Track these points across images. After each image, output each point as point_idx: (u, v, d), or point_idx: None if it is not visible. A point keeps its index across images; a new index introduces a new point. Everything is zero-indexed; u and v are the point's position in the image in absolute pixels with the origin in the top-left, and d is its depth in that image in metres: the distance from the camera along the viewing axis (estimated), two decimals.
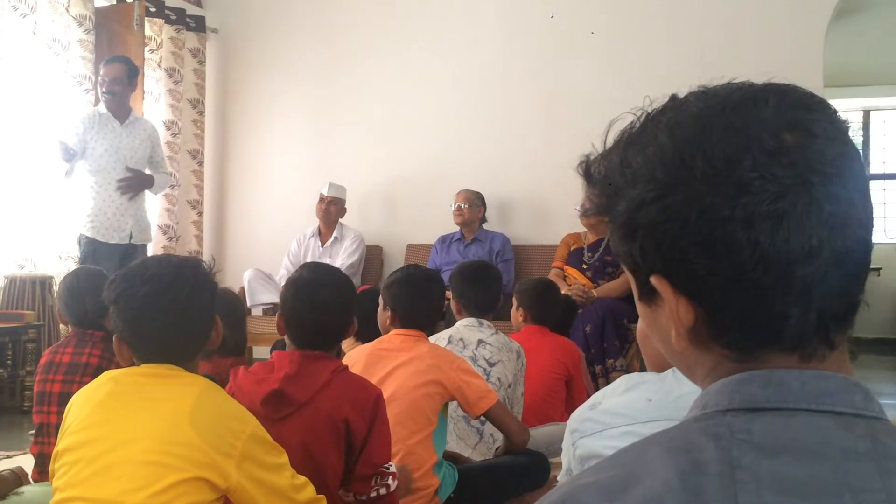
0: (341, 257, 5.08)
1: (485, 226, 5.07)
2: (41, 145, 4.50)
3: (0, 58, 4.43)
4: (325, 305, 1.83)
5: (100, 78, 4.36)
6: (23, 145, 4.51)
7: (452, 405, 2.42)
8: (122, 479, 1.34)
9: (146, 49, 5.37)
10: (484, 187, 5.09)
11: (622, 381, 1.39)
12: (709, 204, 0.54)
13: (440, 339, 2.71)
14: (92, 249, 4.23)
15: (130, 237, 4.35)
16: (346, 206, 5.29)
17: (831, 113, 0.57)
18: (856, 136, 7.69)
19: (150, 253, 4.58)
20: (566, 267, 4.55)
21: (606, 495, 0.52)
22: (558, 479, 1.73)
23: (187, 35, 5.71)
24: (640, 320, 0.67)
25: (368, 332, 2.56)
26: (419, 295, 2.38)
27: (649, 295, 0.61)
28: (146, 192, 4.48)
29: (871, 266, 0.59)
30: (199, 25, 5.82)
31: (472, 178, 5.16)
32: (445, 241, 5.07)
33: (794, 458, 0.51)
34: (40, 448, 2.31)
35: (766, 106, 0.56)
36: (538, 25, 5.29)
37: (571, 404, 3.06)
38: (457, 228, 5.05)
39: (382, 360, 2.25)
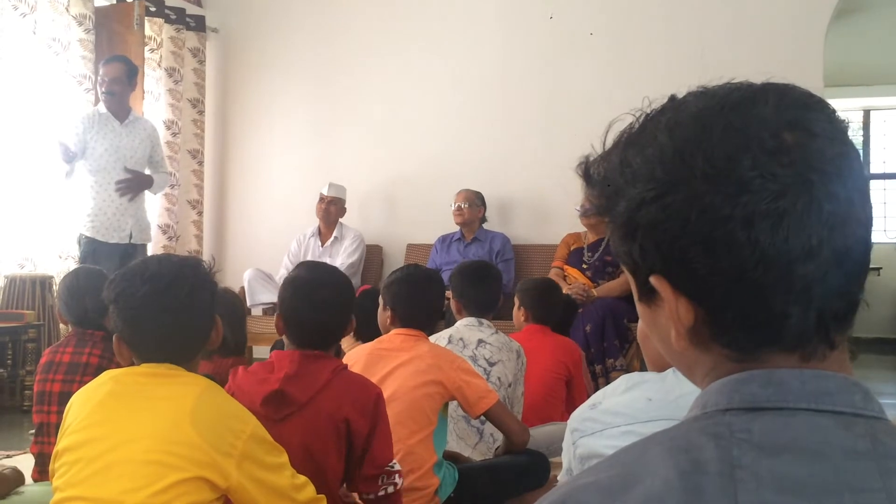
0: (341, 257, 5.08)
1: (485, 226, 5.06)
2: (41, 145, 4.49)
3: (0, 57, 4.43)
4: (324, 304, 1.82)
5: (99, 77, 4.36)
6: (23, 145, 4.51)
7: (452, 405, 2.42)
8: (123, 479, 1.34)
9: (146, 49, 5.37)
10: (484, 187, 5.09)
11: (622, 381, 1.40)
12: (709, 203, 0.54)
13: (440, 338, 2.71)
14: (92, 249, 4.23)
15: (130, 237, 4.35)
16: (346, 205, 5.28)
17: (830, 112, 0.57)
18: (856, 135, 7.69)
19: (150, 252, 4.58)
20: (566, 267, 4.55)
21: (607, 495, 0.52)
22: (558, 478, 1.73)
23: (187, 35, 5.71)
24: (640, 320, 0.67)
25: (368, 332, 2.56)
26: (419, 295, 2.38)
27: (649, 295, 0.61)
28: (146, 191, 4.48)
29: (871, 266, 0.59)
30: (199, 25, 5.82)
31: (472, 178, 5.16)
32: (445, 240, 5.07)
33: (794, 457, 0.51)
34: (40, 448, 2.31)
35: (765, 105, 0.56)
36: (538, 26, 5.29)
37: (572, 404, 3.06)
38: (457, 228, 5.05)
39: (382, 360, 2.25)
